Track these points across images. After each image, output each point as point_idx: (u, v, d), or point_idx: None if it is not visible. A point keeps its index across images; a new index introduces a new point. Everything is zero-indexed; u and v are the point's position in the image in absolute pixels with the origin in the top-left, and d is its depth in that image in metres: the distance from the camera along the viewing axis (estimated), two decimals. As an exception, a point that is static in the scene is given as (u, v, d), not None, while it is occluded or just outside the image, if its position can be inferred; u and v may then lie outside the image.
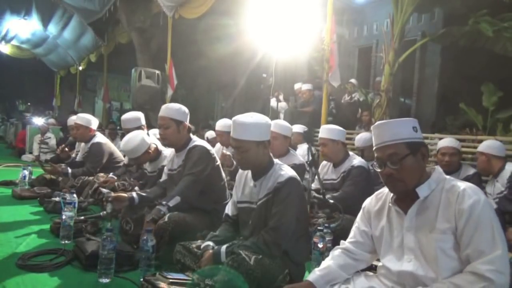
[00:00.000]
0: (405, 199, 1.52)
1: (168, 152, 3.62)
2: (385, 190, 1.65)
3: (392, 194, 1.57)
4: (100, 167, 4.35)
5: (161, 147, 3.45)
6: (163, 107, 2.79)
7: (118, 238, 2.46)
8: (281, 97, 7.42)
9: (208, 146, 2.80)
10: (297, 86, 7.34)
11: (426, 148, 1.53)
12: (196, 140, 2.81)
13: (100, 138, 4.53)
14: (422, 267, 1.44)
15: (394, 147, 1.48)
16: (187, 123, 2.80)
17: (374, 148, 1.56)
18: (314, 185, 2.95)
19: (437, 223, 1.42)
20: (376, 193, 1.71)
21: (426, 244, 1.44)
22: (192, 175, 2.62)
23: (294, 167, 3.23)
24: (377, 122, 1.58)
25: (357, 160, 3.21)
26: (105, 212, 3.19)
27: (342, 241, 1.76)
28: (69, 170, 4.32)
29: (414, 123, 1.53)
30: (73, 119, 4.93)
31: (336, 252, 1.71)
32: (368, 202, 1.71)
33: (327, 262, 1.67)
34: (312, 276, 1.62)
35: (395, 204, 1.55)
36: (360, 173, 3.12)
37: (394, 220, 1.56)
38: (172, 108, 2.75)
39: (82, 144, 4.72)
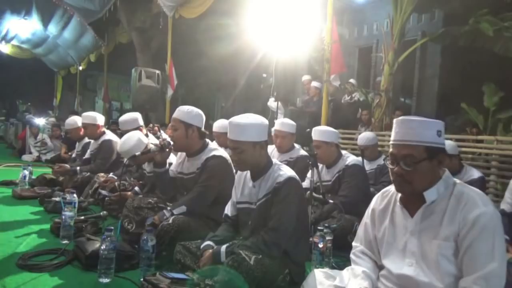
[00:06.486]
0: (411, 200, 1.50)
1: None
2: (391, 188, 1.61)
3: (399, 194, 1.55)
4: (109, 164, 4.35)
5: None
6: (177, 109, 2.71)
7: (118, 238, 2.46)
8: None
9: (227, 157, 2.69)
10: (305, 77, 7.33)
11: (444, 155, 1.47)
12: (215, 149, 2.67)
13: (110, 135, 4.53)
14: (424, 273, 1.42)
15: (413, 149, 1.42)
16: (200, 127, 2.65)
17: (391, 142, 1.51)
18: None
19: (441, 229, 1.40)
20: (382, 191, 1.68)
21: (429, 250, 1.42)
22: (204, 187, 2.57)
23: (300, 157, 3.58)
24: (404, 117, 1.51)
25: (350, 158, 3.16)
26: (105, 212, 3.19)
27: (354, 244, 1.68)
28: (78, 168, 4.32)
29: (439, 126, 1.45)
30: (70, 123, 4.90)
31: (360, 269, 1.57)
32: (374, 201, 1.68)
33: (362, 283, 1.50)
34: None
35: (402, 204, 1.52)
36: (355, 171, 3.08)
37: (397, 220, 1.54)
38: (182, 110, 2.66)
39: (85, 142, 4.74)
